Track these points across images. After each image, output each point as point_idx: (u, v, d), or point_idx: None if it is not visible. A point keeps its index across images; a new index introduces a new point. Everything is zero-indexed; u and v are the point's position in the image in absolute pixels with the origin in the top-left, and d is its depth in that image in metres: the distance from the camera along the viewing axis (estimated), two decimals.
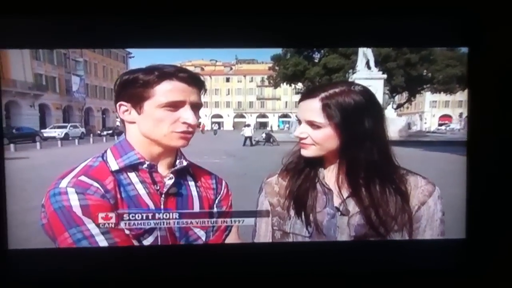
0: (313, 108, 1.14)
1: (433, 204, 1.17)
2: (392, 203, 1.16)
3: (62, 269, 1.22)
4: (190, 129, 1.16)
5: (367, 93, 1.15)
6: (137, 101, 1.12)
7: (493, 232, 1.31)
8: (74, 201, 1.08)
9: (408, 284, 1.35)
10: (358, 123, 1.12)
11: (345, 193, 1.19)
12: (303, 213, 1.21)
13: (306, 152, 1.19)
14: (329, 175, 1.22)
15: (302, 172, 1.24)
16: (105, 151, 1.19)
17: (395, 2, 1.22)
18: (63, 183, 1.09)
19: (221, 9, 1.21)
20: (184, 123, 1.15)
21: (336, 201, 1.19)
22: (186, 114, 1.14)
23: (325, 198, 1.20)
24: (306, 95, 1.19)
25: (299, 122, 1.19)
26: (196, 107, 1.16)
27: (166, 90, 1.12)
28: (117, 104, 1.15)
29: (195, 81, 1.16)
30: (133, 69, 1.16)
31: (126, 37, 1.27)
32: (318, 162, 1.22)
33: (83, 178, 1.11)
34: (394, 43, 1.65)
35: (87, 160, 1.18)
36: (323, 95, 1.14)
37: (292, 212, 1.24)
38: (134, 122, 1.15)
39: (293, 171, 1.26)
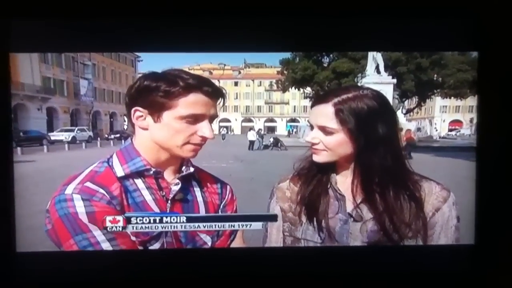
0: (326, 113, 1.10)
1: (447, 210, 1.13)
2: (406, 209, 1.12)
3: (69, 272, 1.20)
4: (203, 142, 1.13)
5: (380, 98, 1.11)
6: (156, 110, 1.08)
7: (503, 238, 1.27)
8: (80, 207, 1.05)
9: (416, 287, 1.32)
10: (371, 128, 1.08)
11: (358, 199, 1.15)
12: (315, 219, 1.17)
13: (318, 158, 1.15)
14: (342, 180, 1.18)
15: (314, 177, 1.20)
16: (111, 156, 1.15)
17: (404, 6, 1.19)
18: (69, 190, 1.06)
19: (230, 12, 1.19)
20: (201, 136, 1.11)
21: (349, 207, 1.15)
22: (204, 128, 1.11)
23: (338, 204, 1.16)
24: (318, 100, 1.15)
25: (311, 127, 1.16)
26: (213, 119, 1.13)
27: (190, 103, 1.08)
28: (132, 109, 1.11)
29: (217, 95, 1.13)
30: (153, 74, 1.11)
31: (134, 41, 1.24)
32: (330, 168, 1.18)
33: (88, 184, 1.08)
34: (403, 48, 1.63)
35: (92, 166, 1.13)
36: (335, 100, 1.09)
37: (303, 218, 1.20)
38: (146, 129, 1.12)
39: (305, 176, 1.22)
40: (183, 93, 1.07)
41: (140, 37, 1.24)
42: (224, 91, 1.15)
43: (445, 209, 1.13)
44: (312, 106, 1.16)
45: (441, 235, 1.13)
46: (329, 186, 1.19)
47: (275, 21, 1.23)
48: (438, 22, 1.23)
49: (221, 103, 1.16)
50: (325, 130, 1.11)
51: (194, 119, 1.09)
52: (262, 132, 7.98)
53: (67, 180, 1.08)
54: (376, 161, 1.10)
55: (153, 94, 1.07)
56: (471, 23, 1.21)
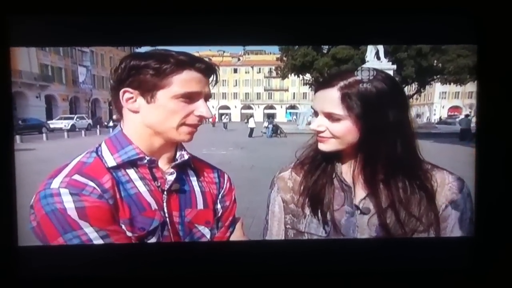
0: (331, 98, 1.02)
1: (462, 202, 1.05)
2: (417, 201, 1.05)
3: (73, 266, 1.18)
4: (200, 123, 1.07)
5: (390, 81, 1.04)
6: (148, 89, 1.01)
7: (504, 230, 1.24)
8: (68, 203, 0.97)
9: (413, 282, 1.30)
10: (381, 113, 1.01)
11: (366, 190, 1.08)
12: (319, 211, 1.10)
13: (325, 146, 1.07)
14: (348, 170, 1.10)
15: (318, 166, 1.12)
16: (99, 145, 1.07)
17: (404, 2, 1.16)
18: (55, 184, 0.98)
19: (227, 7, 1.16)
20: (198, 116, 1.05)
21: (356, 199, 1.09)
22: (202, 107, 1.04)
23: (344, 195, 1.09)
24: (323, 84, 1.07)
25: (316, 114, 1.08)
26: (207, 98, 1.07)
27: (185, 80, 1.01)
28: (121, 91, 1.02)
29: (210, 72, 1.07)
30: (140, 52, 1.05)
31: (132, 36, 1.22)
32: (336, 156, 1.11)
33: (77, 177, 0.99)
34: (402, 41, 1.59)
35: (79, 156, 1.05)
36: (342, 84, 1.00)
37: (307, 210, 1.12)
38: (137, 112, 1.05)
39: (308, 166, 1.14)
40: (176, 70, 1.00)
41: (140, 33, 1.22)
42: (216, 67, 1.09)
43: (460, 201, 1.05)
44: (316, 91, 1.08)
45: (454, 228, 1.07)
46: (334, 176, 1.11)
47: (275, 16, 1.20)
48: (436, 16, 1.20)
49: (214, 81, 1.10)
50: (331, 117, 1.03)
51: (190, 97, 1.02)
52: (272, 120, 7.93)
53: (52, 173, 1.01)
54: (385, 149, 1.03)
55: (143, 73, 1.00)
56: (470, 17, 1.19)
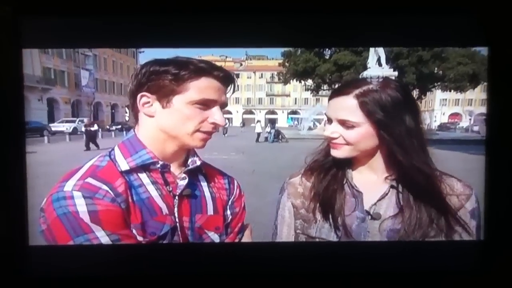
0: (347, 106, 1.03)
1: (471, 209, 1.08)
2: (427, 207, 1.06)
3: (82, 265, 1.17)
4: (214, 130, 1.07)
5: (403, 89, 1.05)
6: (165, 94, 1.00)
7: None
8: (81, 206, 0.95)
9: (421, 285, 1.30)
10: (396, 121, 1.02)
11: (376, 196, 1.09)
12: (330, 217, 1.11)
13: (338, 153, 1.07)
14: (359, 176, 1.11)
15: (328, 172, 1.12)
16: (112, 149, 1.05)
17: (411, 1, 1.17)
18: (68, 186, 0.96)
19: (229, 8, 1.17)
20: (212, 123, 1.05)
21: (367, 204, 1.09)
22: (216, 114, 1.03)
23: (355, 201, 1.09)
24: (337, 92, 1.07)
25: (329, 121, 1.09)
26: (223, 106, 1.07)
27: (202, 87, 1.01)
28: (139, 95, 1.04)
29: (228, 80, 1.07)
30: (160, 59, 1.06)
31: (135, 37, 1.22)
32: (346, 162, 1.11)
33: (90, 180, 0.98)
34: (410, 43, 1.58)
35: (92, 159, 1.03)
36: (357, 92, 1.01)
37: (318, 215, 1.12)
38: (152, 116, 1.05)
39: (318, 171, 1.14)
40: (194, 76, 1.00)
41: (140, 33, 1.22)
42: (234, 77, 1.09)
43: (468, 207, 1.07)
44: (330, 99, 1.09)
45: (463, 234, 1.08)
46: (345, 181, 1.12)
47: (277, 17, 1.21)
48: (446, 18, 1.20)
49: (231, 90, 1.10)
50: (345, 124, 1.03)
51: (206, 104, 1.02)
52: (275, 126, 7.93)
53: (65, 176, 0.98)
54: (398, 155, 1.04)
55: (162, 78, 1.00)
56: (481, 18, 1.19)
